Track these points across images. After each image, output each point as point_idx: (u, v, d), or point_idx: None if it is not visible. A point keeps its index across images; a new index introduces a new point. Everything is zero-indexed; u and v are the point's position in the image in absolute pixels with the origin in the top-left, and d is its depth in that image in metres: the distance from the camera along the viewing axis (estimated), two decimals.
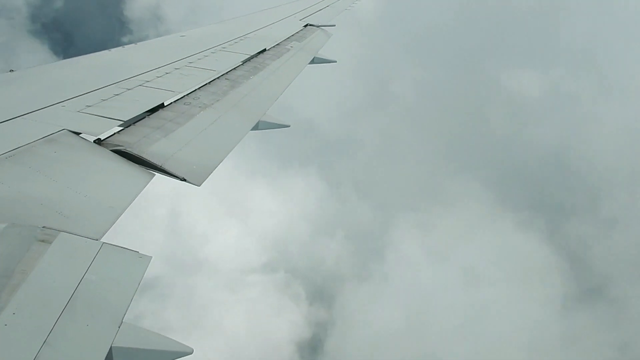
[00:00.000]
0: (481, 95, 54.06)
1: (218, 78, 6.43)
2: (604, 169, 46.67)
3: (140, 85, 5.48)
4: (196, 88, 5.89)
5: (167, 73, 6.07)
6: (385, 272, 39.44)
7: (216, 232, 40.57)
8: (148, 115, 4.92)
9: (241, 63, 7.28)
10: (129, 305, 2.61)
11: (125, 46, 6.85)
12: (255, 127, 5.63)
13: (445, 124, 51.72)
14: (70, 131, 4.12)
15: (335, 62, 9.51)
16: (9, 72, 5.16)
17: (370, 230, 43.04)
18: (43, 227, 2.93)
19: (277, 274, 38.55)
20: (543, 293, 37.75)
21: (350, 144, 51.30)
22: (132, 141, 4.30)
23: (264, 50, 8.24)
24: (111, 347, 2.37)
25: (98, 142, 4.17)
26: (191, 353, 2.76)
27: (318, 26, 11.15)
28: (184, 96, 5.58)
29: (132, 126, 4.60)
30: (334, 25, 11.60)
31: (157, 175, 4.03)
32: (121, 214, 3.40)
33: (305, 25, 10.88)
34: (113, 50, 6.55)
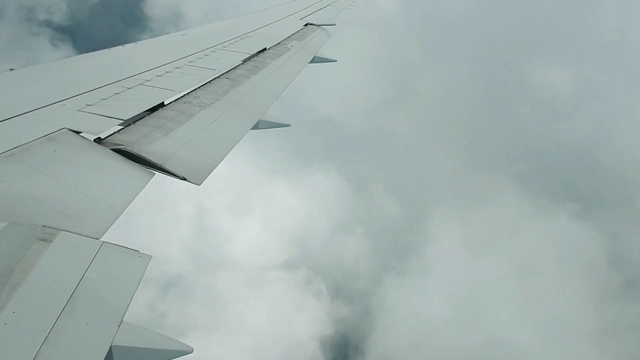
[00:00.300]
0: (510, 90, 53.65)
1: (218, 77, 6.43)
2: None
3: (140, 84, 5.47)
4: (196, 87, 5.88)
5: (167, 72, 6.07)
6: (425, 266, 39.44)
7: (237, 229, 41.00)
8: (148, 114, 4.91)
9: (241, 62, 7.28)
10: (129, 304, 2.61)
11: (126, 45, 6.84)
12: (256, 127, 5.63)
13: (471, 120, 51.45)
14: (71, 130, 4.12)
15: (336, 61, 9.50)
16: (9, 71, 5.16)
17: (399, 226, 43.10)
18: (43, 225, 2.93)
19: (299, 271, 38.85)
20: (587, 284, 37.77)
21: (371, 140, 51.33)
22: (132, 140, 4.30)
23: (264, 49, 8.24)
24: (111, 346, 2.37)
25: (98, 141, 4.17)
26: (191, 352, 2.76)
27: (318, 25, 11.14)
28: (184, 95, 5.57)
29: (132, 125, 4.60)
30: (335, 25, 11.60)
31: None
32: (121, 213, 3.39)
33: (306, 25, 10.87)
34: (113, 49, 6.55)
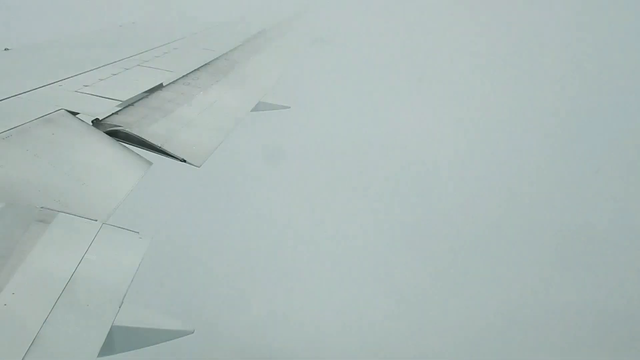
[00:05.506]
0: None
1: (217, 58, 6.35)
2: None
3: (138, 65, 5.40)
4: (195, 68, 5.81)
5: (165, 53, 5.99)
6: None
7: None
8: (147, 95, 4.85)
9: (241, 44, 7.19)
10: (129, 285, 2.59)
11: (123, 25, 6.74)
12: (255, 108, 5.57)
13: None
14: (68, 111, 4.06)
15: (335, 43, 9.41)
16: (4, 51, 5.07)
17: None
18: (41, 207, 2.89)
19: None
20: None
21: None
22: (131, 121, 4.24)
23: (264, 31, 8.14)
24: (112, 326, 2.35)
25: (96, 122, 4.11)
26: (192, 333, 2.75)
27: (317, 9, 11.01)
28: (184, 76, 5.50)
29: (130, 106, 4.54)
30: (334, 7, 11.46)
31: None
32: (122, 199, 3.35)
33: (304, 8, 10.74)
34: (111, 28, 6.45)
